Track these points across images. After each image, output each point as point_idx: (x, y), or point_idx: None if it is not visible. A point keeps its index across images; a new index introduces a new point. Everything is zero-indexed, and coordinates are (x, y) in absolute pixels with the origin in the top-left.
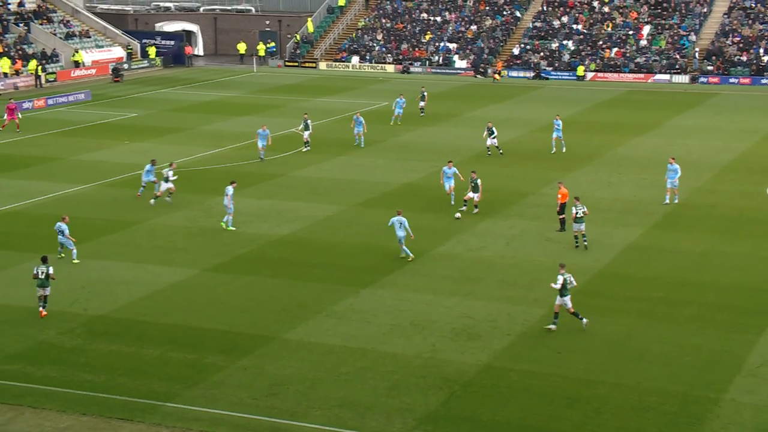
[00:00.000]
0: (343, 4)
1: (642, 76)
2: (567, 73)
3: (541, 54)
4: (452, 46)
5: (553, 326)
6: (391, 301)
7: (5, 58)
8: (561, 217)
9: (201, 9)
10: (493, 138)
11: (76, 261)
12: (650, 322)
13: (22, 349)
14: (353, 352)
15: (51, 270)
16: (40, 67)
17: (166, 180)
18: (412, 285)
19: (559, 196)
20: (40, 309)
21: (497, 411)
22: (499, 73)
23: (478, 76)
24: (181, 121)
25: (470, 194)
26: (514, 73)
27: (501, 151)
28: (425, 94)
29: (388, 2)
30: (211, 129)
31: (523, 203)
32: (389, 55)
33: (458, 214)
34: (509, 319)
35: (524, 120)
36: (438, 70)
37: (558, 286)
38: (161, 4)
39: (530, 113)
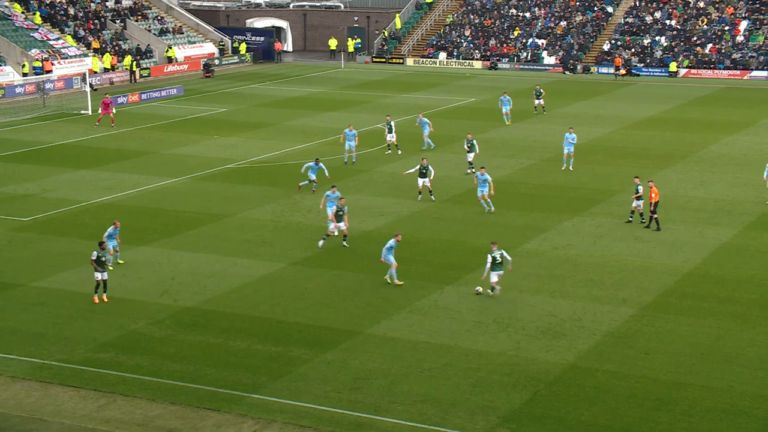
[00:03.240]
0: (431, 1)
1: (738, 72)
2: (659, 70)
3: (632, 50)
4: (541, 42)
5: (479, 288)
6: (476, 297)
7: (107, 54)
8: (654, 216)
9: (291, 5)
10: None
11: (111, 267)
12: (743, 325)
13: (114, 338)
14: (437, 348)
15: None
16: (134, 63)
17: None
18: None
19: (652, 195)
20: (95, 296)
21: (583, 411)
22: (619, 69)
23: (567, 72)
24: (270, 116)
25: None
26: (604, 70)
27: (470, 171)
28: (542, 91)
29: None
30: (298, 124)
31: (611, 201)
32: (477, 51)
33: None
34: (595, 318)
35: (614, 117)
36: (526, 67)
37: (488, 265)
38: (252, 0)
39: (620, 110)
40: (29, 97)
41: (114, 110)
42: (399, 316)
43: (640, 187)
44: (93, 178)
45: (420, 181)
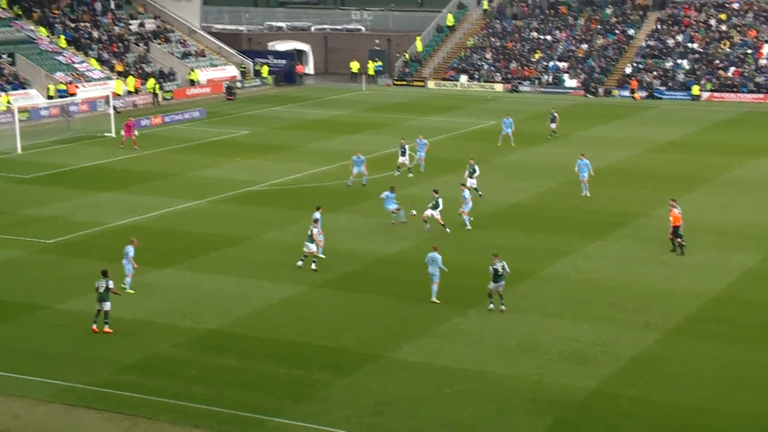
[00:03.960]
0: (452, 24)
1: (762, 96)
2: (681, 93)
3: (654, 73)
4: (562, 65)
5: (491, 306)
6: (498, 321)
7: (131, 76)
8: (678, 240)
9: (312, 28)
10: (473, 178)
11: (129, 290)
12: None
13: (137, 360)
14: (459, 373)
15: (111, 284)
16: (157, 86)
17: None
18: (520, 306)
19: (671, 219)
20: (94, 326)
21: None
22: (634, 92)
23: (589, 95)
24: (292, 138)
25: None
26: (625, 93)
27: (480, 194)
28: (555, 115)
29: (497, 21)
30: (320, 147)
31: (634, 225)
32: (498, 74)
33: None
34: (618, 343)
35: (636, 140)
36: (547, 89)
37: (491, 276)
38: (274, 23)
39: (642, 134)
40: (54, 119)
41: (136, 132)
42: (421, 340)
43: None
44: (116, 201)
45: (429, 211)
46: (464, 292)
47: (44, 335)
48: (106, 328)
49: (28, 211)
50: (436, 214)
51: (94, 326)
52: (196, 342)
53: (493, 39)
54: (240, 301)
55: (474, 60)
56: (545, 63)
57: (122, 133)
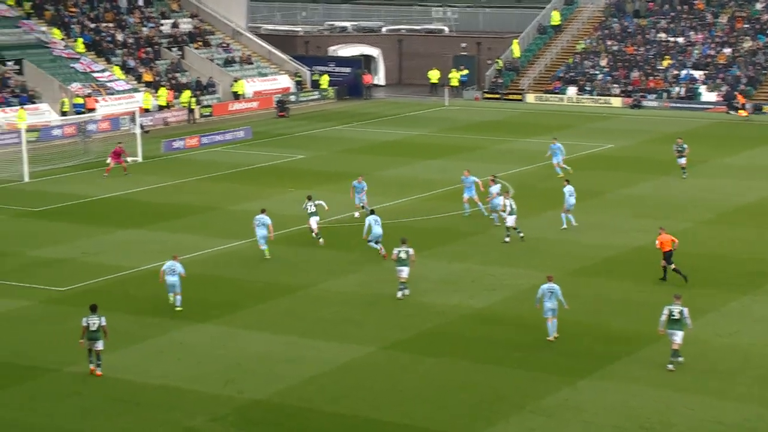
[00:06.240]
0: (558, 23)
1: None
2: None
3: None
4: (698, 74)
5: (672, 365)
6: (617, 396)
7: (162, 88)
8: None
9: (383, 29)
10: None
11: (179, 308)
12: None
13: None
14: None
15: (104, 321)
16: (193, 100)
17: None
18: (645, 377)
19: (657, 242)
20: (91, 367)
21: None
22: (743, 108)
23: (732, 112)
24: (357, 164)
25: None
26: None
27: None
28: (684, 147)
29: (615, 20)
30: (392, 174)
31: None
32: (615, 85)
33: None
34: None
35: None
36: (679, 105)
37: (663, 319)
38: (336, 23)
39: None
40: (68, 140)
41: (128, 159)
42: (518, 417)
43: None
44: (142, 240)
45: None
46: (573, 359)
47: (53, 405)
48: (98, 371)
49: (36, 252)
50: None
51: (92, 366)
52: (238, 415)
53: (609, 42)
54: (291, 366)
55: (585, 68)
56: (676, 72)
57: (109, 161)
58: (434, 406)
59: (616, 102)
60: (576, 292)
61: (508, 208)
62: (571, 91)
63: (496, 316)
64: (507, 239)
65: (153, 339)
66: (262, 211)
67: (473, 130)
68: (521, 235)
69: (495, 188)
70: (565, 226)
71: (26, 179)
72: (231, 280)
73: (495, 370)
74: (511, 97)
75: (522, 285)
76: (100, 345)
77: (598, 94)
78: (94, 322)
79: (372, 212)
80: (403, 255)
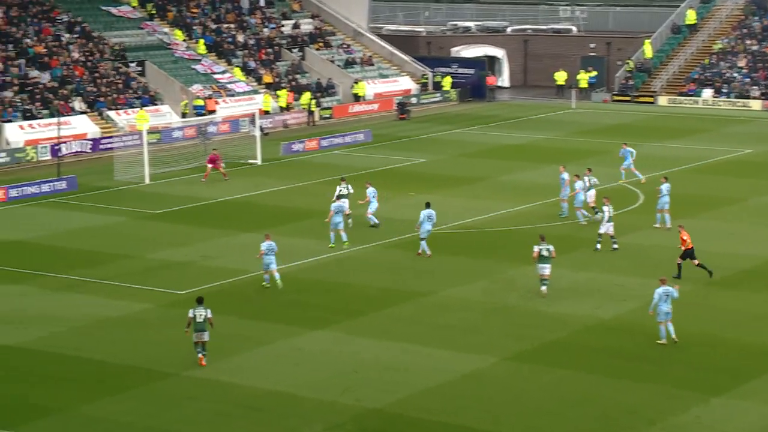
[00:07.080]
0: (693, 22)
1: None
2: None
3: None
4: None
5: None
6: (755, 416)
7: (282, 90)
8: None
9: (508, 29)
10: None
11: (280, 285)
12: None
13: None
14: None
15: (210, 313)
16: (313, 102)
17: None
18: None
19: (685, 238)
20: (200, 356)
21: None
22: None
23: None
24: (480, 168)
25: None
26: None
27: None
28: None
29: (756, 18)
30: (516, 179)
31: None
32: (755, 87)
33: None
34: None
35: None
36: None
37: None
38: (460, 24)
39: None
40: (188, 142)
41: (223, 165)
42: None
43: None
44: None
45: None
46: (706, 374)
47: (171, 410)
48: (203, 361)
49: (156, 255)
50: (611, 228)
51: (200, 356)
52: (355, 423)
53: (749, 41)
54: (411, 375)
55: (722, 69)
56: None
57: (208, 166)
58: (558, 419)
59: (756, 105)
60: (709, 303)
61: (606, 215)
62: (707, 93)
63: (624, 327)
64: (598, 246)
65: (271, 344)
66: (427, 205)
67: (602, 134)
68: (615, 246)
69: (578, 184)
70: (657, 224)
71: (147, 181)
72: (348, 285)
73: (623, 384)
74: (642, 99)
75: (650, 296)
76: (206, 336)
77: (736, 97)
78: (201, 314)
79: (428, 206)
80: (545, 252)
